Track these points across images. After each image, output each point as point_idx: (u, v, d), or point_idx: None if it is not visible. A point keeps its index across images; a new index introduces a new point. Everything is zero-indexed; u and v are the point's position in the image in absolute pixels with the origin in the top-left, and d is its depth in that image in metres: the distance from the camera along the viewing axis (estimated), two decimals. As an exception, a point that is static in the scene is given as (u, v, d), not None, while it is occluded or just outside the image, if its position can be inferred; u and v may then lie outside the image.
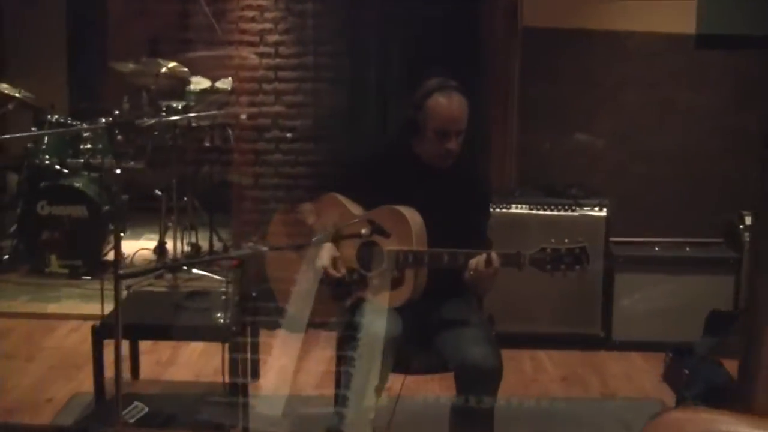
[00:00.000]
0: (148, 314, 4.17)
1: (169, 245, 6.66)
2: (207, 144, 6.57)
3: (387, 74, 5.58)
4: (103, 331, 3.98)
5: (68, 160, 6.45)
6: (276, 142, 5.88)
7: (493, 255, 3.17)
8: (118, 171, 6.48)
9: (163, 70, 6.62)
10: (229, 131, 6.37)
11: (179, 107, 6.57)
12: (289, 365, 4.16)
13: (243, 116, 5.60)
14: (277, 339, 4.18)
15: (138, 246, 6.95)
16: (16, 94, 6.42)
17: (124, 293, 4.75)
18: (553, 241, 3.18)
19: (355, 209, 3.47)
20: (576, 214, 5.07)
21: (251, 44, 5.86)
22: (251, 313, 4.01)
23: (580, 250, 3.16)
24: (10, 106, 6.46)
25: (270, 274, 3.52)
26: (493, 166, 5.52)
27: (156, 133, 6.42)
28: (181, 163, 6.51)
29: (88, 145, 6.55)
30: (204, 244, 6.83)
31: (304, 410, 3.98)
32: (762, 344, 2.78)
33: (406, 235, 3.29)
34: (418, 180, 3.45)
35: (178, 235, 6.64)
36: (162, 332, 4.07)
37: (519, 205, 5.17)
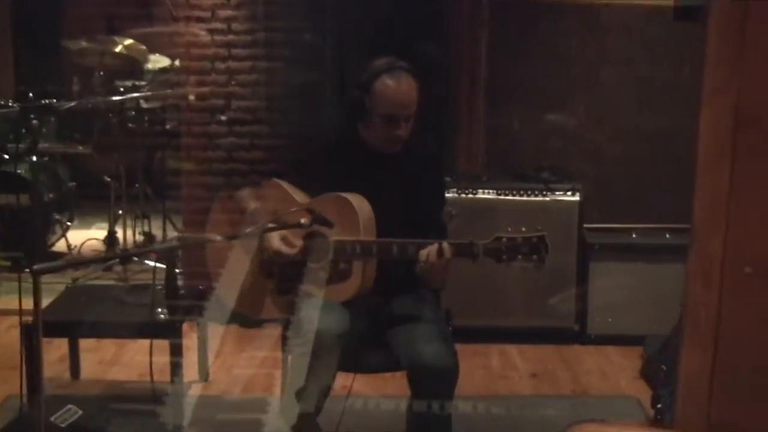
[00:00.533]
0: (87, 310, 4.11)
1: (121, 235, 6.58)
2: (162, 127, 6.45)
3: (344, 52, 5.48)
4: (34, 328, 3.86)
5: (8, 145, 6.32)
6: (229, 125, 5.78)
7: (445, 245, 3.13)
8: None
9: (118, 48, 6.51)
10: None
11: (130, 87, 6.44)
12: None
13: (191, 97, 5.47)
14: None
15: (87, 236, 6.84)
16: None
17: (63, 287, 4.69)
18: (509, 229, 3.15)
19: (299, 196, 3.44)
20: (547, 199, 5.05)
21: (202, 20, 5.74)
22: (190, 309, 3.91)
23: (538, 240, 3.12)
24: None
25: (210, 265, 3.49)
26: (459, 149, 5.48)
27: (111, 116, 6.30)
28: (130, 147, 6.39)
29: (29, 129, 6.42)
30: (159, 233, 6.73)
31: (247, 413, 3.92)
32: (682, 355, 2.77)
33: (353, 224, 3.25)
34: (366, 166, 3.42)
35: (129, 223, 6.53)
36: (98, 329, 4.02)
37: (486, 190, 5.14)
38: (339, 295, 3.30)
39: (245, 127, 5.78)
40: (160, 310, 3.93)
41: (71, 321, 3.98)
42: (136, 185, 6.63)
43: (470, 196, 5.11)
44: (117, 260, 5.88)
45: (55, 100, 6.29)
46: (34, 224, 6.21)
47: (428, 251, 3.15)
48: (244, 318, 3.65)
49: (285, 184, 3.47)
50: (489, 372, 4.85)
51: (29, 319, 3.89)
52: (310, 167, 3.49)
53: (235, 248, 3.39)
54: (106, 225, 6.89)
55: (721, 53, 2.18)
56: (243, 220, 3.38)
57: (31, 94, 6.24)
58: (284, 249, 3.30)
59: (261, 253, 3.38)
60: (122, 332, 3.83)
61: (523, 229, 3.13)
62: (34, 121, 6.41)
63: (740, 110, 2.31)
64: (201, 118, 5.67)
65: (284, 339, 3.39)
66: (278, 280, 3.38)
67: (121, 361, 4.83)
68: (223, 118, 5.61)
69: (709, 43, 2.16)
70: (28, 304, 5.19)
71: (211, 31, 5.71)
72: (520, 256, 3.10)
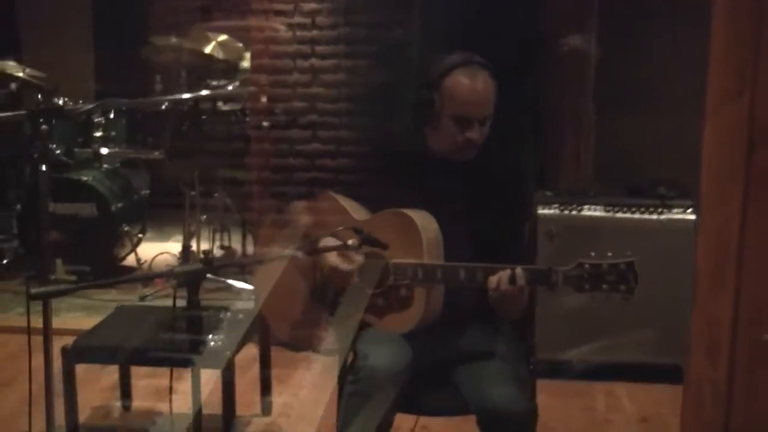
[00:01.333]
0: (129, 334, 4.04)
1: (202, 249, 6.60)
2: (242, 131, 6.38)
3: (433, 47, 5.32)
4: (74, 353, 3.84)
5: (76, 150, 6.34)
6: (313, 129, 5.68)
7: (518, 271, 2.97)
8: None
9: (210, 46, 6.45)
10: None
11: (213, 86, 6.40)
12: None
13: (263, 99, 5.38)
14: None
15: (162, 249, 6.82)
16: (19, 74, 6.32)
17: (115, 306, 4.64)
18: (593, 254, 2.98)
19: (358, 212, 3.32)
20: (663, 217, 4.80)
21: (283, 13, 5.66)
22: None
23: (627, 267, 2.92)
24: (12, 86, 6.35)
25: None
26: (563, 160, 5.25)
27: (184, 119, 6.25)
28: (206, 153, 6.34)
29: (100, 133, 6.41)
30: (239, 247, 6.69)
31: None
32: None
33: (416, 244, 3.10)
34: (433, 177, 3.28)
35: (209, 236, 6.50)
36: (137, 357, 3.92)
37: (593, 207, 4.91)
38: (399, 325, 3.17)
39: (330, 132, 5.65)
40: (211, 336, 3.80)
41: (109, 346, 3.93)
42: (215, 194, 6.55)
43: (574, 213, 4.89)
44: (137, 280, 5.79)
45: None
46: (100, 236, 6.17)
47: (499, 278, 2.99)
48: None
49: (342, 198, 3.36)
50: (592, 414, 4.66)
51: (68, 343, 3.89)
52: (372, 178, 3.44)
53: (282, 268, 3.29)
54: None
55: (731, 51, 1.80)
56: (293, 237, 3.28)
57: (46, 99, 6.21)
58: (342, 265, 3.17)
59: (313, 275, 3.28)
60: (164, 360, 3.69)
61: (609, 254, 2.96)
62: (99, 120, 6.36)
63: (755, 124, 1.84)
64: (281, 122, 5.56)
65: (341, 374, 3.27)
66: (332, 306, 3.26)
67: (178, 389, 4.71)
68: (265, 124, 5.48)
69: (714, 39, 1.79)
70: (89, 323, 5.21)
71: (292, 26, 5.59)
72: (605, 286, 2.93)
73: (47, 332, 2.74)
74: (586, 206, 4.92)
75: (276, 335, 3.39)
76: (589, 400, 4.80)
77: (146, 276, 6.10)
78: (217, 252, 6.71)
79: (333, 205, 3.36)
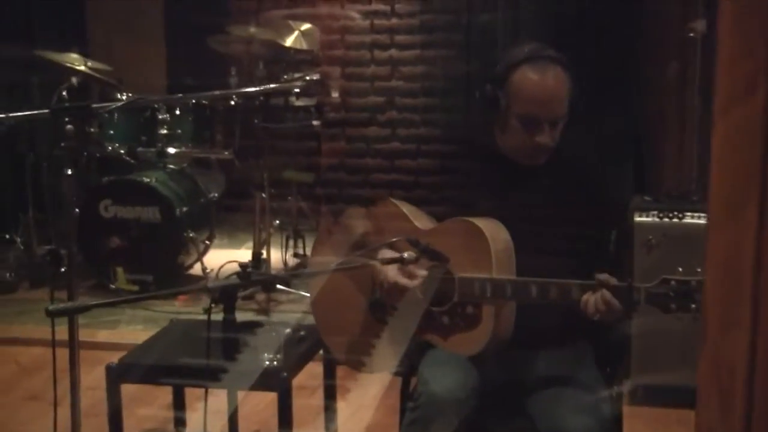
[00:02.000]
0: (183, 350, 3.92)
1: (274, 256, 6.57)
2: (312, 129, 6.30)
3: (520, 37, 5.18)
4: (119, 371, 3.76)
5: (139, 149, 6.31)
6: (392, 127, 5.57)
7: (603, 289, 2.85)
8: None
9: (293, 37, 6.39)
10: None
11: (285, 80, 6.32)
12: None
13: (335, 94, 5.29)
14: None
15: (233, 257, 6.76)
16: (81, 67, 6.32)
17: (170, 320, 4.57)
18: (680, 269, 2.81)
19: (421, 221, 3.22)
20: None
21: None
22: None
23: (719, 285, 2.70)
24: (74, 80, 6.35)
25: (312, 302, 3.41)
26: (666, 163, 5.04)
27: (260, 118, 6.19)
28: (277, 152, 6.27)
29: (165, 131, 6.38)
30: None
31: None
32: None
33: (484, 257, 3.00)
34: (503, 182, 3.21)
35: (282, 243, 6.52)
36: (186, 375, 3.80)
37: (697, 214, 4.66)
38: (465, 347, 3.08)
39: (411, 130, 5.54)
40: (266, 356, 3.71)
41: (157, 364, 3.84)
42: (289, 198, 6.49)
43: (675, 220, 4.66)
44: (163, 297, 5.72)
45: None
46: (163, 243, 6.13)
47: (589, 299, 2.89)
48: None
49: (404, 205, 3.26)
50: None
51: (114, 361, 3.82)
52: (442, 184, 3.34)
53: (339, 283, 3.25)
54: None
55: (742, 42, 1.54)
56: (347, 247, 3.23)
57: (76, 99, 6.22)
58: (402, 280, 3.06)
59: (371, 289, 3.20)
60: (213, 380, 3.61)
61: (699, 270, 2.77)
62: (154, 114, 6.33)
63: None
64: (358, 119, 5.47)
65: (402, 398, 3.27)
66: (392, 323, 3.21)
67: (241, 412, 4.64)
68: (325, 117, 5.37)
69: (721, 27, 1.56)
70: (146, 336, 5.21)
71: (370, 14, 5.50)
72: (693, 306, 2.76)
73: (73, 349, 2.65)
74: (689, 213, 4.69)
75: (332, 354, 3.34)
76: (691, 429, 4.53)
77: (175, 292, 6.00)
78: (291, 260, 6.60)
79: (394, 212, 3.26)
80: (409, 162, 5.45)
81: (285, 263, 6.52)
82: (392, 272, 3.07)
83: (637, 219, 4.66)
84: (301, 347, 3.78)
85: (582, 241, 3.15)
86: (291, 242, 6.73)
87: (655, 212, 4.69)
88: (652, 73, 5.09)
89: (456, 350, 3.08)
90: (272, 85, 6.08)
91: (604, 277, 2.84)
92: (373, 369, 3.25)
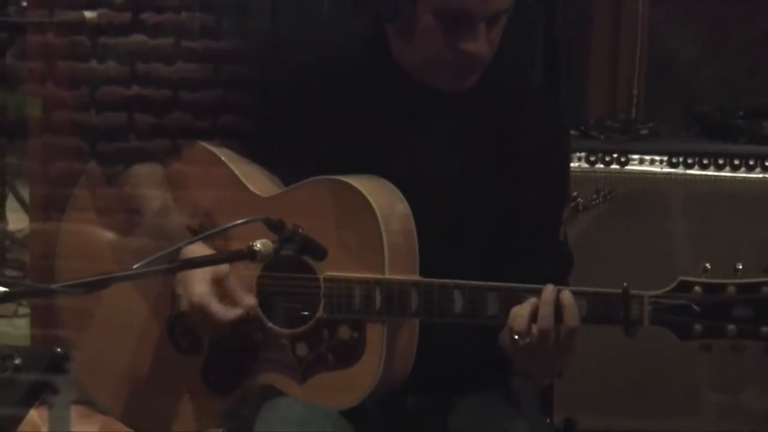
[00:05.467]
0: None
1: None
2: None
3: None
4: None
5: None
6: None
7: (565, 295, 2.23)
8: None
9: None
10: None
11: None
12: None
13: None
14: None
15: None
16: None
17: None
18: (708, 266, 2.22)
19: (259, 182, 2.51)
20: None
21: None
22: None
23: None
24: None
25: (65, 323, 2.62)
26: (594, 77, 4.36)
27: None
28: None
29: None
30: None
31: None
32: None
33: (369, 243, 2.36)
34: (401, 117, 2.50)
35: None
36: None
37: (655, 158, 3.69)
38: (337, 395, 2.40)
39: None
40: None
41: None
42: None
43: (622, 168, 3.70)
44: None
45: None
46: None
47: (530, 310, 2.24)
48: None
49: (228, 156, 2.51)
50: None
51: None
52: (283, 110, 2.51)
53: (115, 296, 2.37)
54: None
55: None
56: (135, 235, 2.50)
57: None
58: (221, 312, 2.36)
59: (174, 302, 2.45)
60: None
61: (707, 265, 2.21)
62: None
63: None
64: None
65: None
66: (208, 360, 2.49)
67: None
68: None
69: None
70: None
71: None
72: (731, 326, 2.18)
73: None
74: (643, 157, 3.73)
75: (95, 402, 2.58)
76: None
77: None
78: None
79: (211, 168, 2.54)
80: (188, 94, 4.35)
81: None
82: (200, 290, 2.37)
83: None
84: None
85: (527, 210, 2.52)
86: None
87: (585, 155, 3.74)
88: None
89: (321, 400, 2.41)
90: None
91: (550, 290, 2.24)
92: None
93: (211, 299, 2.34)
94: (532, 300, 2.26)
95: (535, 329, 2.24)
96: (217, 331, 2.41)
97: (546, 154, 2.59)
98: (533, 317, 2.25)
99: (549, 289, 2.23)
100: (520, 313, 2.23)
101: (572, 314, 2.22)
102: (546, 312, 2.22)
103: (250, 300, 2.38)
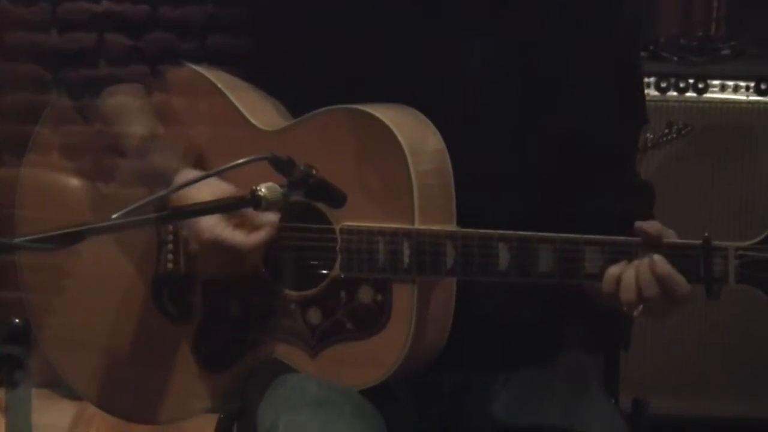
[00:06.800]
0: None
1: None
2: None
3: None
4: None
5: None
6: None
7: (658, 267, 2.01)
8: None
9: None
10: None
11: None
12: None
13: None
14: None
15: None
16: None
17: None
18: None
19: (257, 112, 2.29)
20: None
21: None
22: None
23: None
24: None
25: (26, 285, 2.42)
26: None
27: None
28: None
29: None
30: None
31: None
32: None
33: (395, 186, 2.15)
34: (440, 23, 2.25)
35: None
36: None
37: (732, 83, 3.49)
38: (358, 371, 2.20)
39: None
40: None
41: None
42: None
43: (699, 96, 3.47)
44: None
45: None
46: None
47: (634, 275, 2.07)
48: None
49: (224, 81, 2.29)
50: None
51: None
52: (289, 24, 2.29)
53: (89, 254, 2.27)
54: None
55: None
56: (112, 179, 2.31)
57: None
58: (240, 238, 2.14)
59: (158, 259, 2.31)
60: None
61: None
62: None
63: None
64: None
65: None
66: (201, 329, 2.28)
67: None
68: None
69: None
70: None
71: None
72: None
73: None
74: (719, 83, 3.52)
75: (66, 382, 2.42)
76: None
77: None
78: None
79: (208, 100, 2.32)
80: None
81: None
82: (214, 226, 2.16)
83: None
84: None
85: (602, 136, 2.29)
86: None
87: (652, 80, 3.53)
88: None
89: (338, 377, 2.21)
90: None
91: (653, 227, 2.02)
92: (157, 417, 2.38)
93: (225, 227, 2.15)
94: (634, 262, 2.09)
95: (644, 284, 2.07)
96: (242, 267, 2.23)
97: (620, 59, 2.33)
98: (641, 274, 2.08)
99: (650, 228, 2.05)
100: (627, 280, 2.04)
101: (678, 284, 2.00)
102: (647, 278, 2.03)
103: (271, 216, 2.16)
